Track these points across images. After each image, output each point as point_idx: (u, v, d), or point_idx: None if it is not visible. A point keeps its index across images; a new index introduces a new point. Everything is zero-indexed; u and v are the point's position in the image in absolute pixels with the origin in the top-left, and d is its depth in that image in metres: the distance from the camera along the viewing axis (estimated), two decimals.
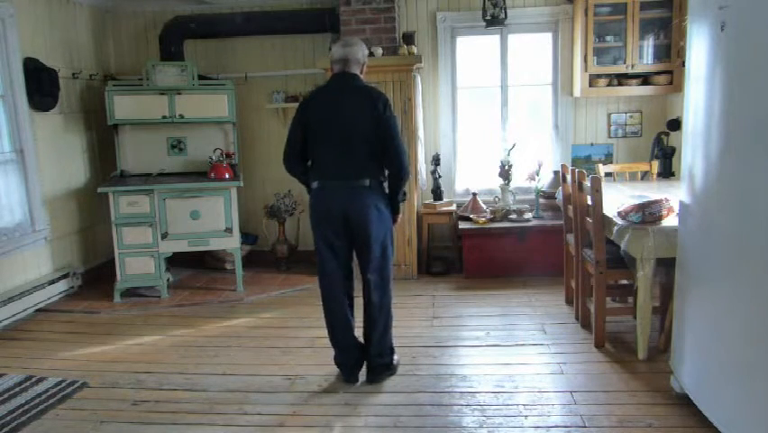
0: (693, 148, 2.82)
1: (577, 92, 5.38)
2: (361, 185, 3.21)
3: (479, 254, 5.24)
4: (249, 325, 4.38)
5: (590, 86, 5.28)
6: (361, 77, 3.34)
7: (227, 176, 5.07)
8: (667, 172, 5.03)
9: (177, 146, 5.50)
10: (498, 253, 5.21)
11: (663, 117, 5.45)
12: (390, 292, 3.41)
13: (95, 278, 5.39)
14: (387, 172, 3.29)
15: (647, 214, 3.34)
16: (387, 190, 3.34)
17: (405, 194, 3.38)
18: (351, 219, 3.22)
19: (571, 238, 4.21)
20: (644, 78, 5.26)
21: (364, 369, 3.43)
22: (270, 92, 5.81)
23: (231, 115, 5.32)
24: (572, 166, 5.31)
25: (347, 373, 3.42)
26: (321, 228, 3.29)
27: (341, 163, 3.23)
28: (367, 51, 3.40)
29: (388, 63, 5.06)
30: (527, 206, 5.50)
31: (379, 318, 3.36)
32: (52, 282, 4.87)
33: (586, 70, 5.23)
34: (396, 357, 3.50)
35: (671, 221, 3.28)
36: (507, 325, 4.15)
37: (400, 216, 3.48)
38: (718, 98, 2.55)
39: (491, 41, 5.63)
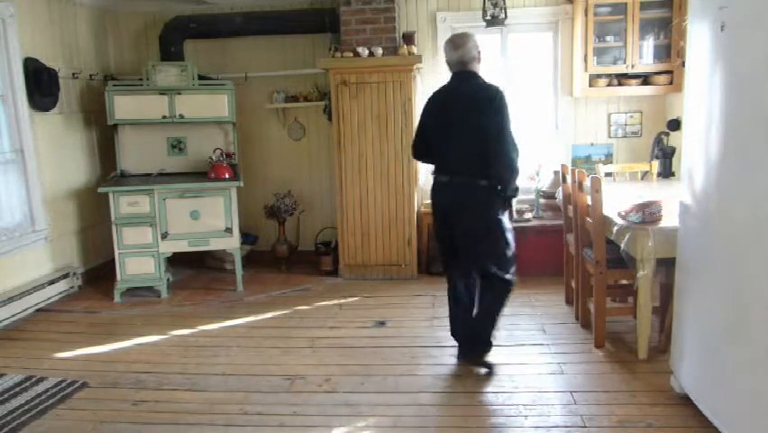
0: (693, 148, 2.82)
1: (577, 92, 5.38)
2: (477, 183, 3.28)
3: None
4: (249, 325, 4.38)
5: (590, 86, 5.28)
6: (479, 66, 3.42)
7: (227, 176, 5.07)
8: (667, 172, 5.02)
9: (177, 146, 5.50)
10: None
11: (663, 117, 5.45)
12: (502, 295, 3.46)
13: (95, 278, 5.39)
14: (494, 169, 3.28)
15: (647, 214, 3.34)
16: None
17: (516, 189, 3.38)
18: (462, 215, 3.35)
19: (571, 238, 4.21)
20: (644, 78, 5.25)
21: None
22: (270, 92, 5.81)
23: (231, 115, 5.31)
24: (572, 166, 5.33)
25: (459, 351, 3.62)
26: (437, 219, 3.54)
27: (457, 160, 3.35)
28: (477, 42, 3.41)
29: (388, 63, 5.06)
30: (527, 206, 5.50)
31: (485, 305, 3.46)
32: (52, 282, 4.87)
33: (586, 70, 5.23)
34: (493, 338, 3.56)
35: (670, 221, 3.28)
36: (507, 325, 4.15)
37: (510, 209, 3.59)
38: (718, 98, 2.55)
39: (491, 40, 5.63)
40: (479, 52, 3.41)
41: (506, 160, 3.23)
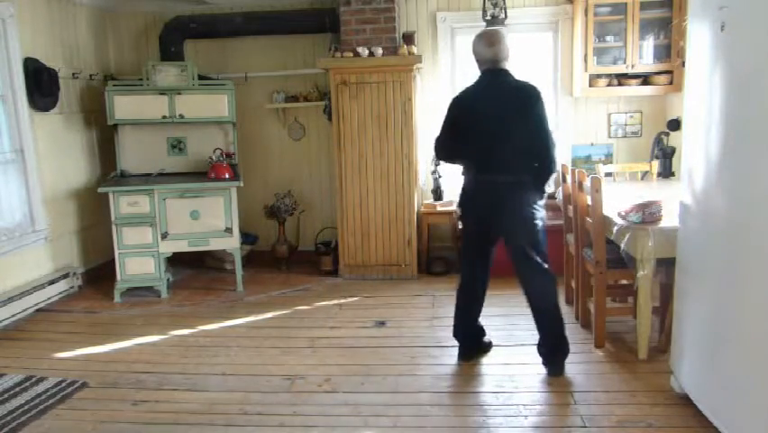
0: (693, 148, 2.82)
1: (577, 92, 5.38)
2: (514, 181, 3.27)
3: None
4: (249, 325, 4.38)
5: (590, 86, 5.28)
6: (508, 64, 3.38)
7: (227, 176, 5.07)
8: (667, 172, 5.02)
9: (177, 146, 5.50)
10: (498, 252, 5.17)
11: (663, 117, 5.45)
12: (548, 284, 3.38)
13: (95, 278, 5.39)
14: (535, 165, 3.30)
15: (647, 214, 3.34)
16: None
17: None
18: (499, 214, 3.31)
19: (571, 238, 4.21)
20: (645, 78, 5.25)
21: None
22: (270, 92, 5.81)
23: (231, 115, 5.31)
24: (572, 166, 5.33)
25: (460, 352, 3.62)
26: (469, 219, 3.50)
27: (493, 159, 3.30)
28: (507, 39, 3.38)
29: (388, 63, 5.06)
30: None
31: (540, 309, 3.42)
32: (52, 282, 4.87)
33: (586, 70, 5.23)
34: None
35: (670, 221, 3.28)
36: (507, 325, 4.15)
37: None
38: (718, 98, 2.55)
39: None
40: (508, 50, 3.37)
41: (546, 154, 3.25)
